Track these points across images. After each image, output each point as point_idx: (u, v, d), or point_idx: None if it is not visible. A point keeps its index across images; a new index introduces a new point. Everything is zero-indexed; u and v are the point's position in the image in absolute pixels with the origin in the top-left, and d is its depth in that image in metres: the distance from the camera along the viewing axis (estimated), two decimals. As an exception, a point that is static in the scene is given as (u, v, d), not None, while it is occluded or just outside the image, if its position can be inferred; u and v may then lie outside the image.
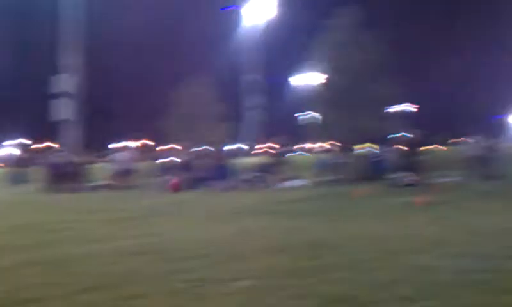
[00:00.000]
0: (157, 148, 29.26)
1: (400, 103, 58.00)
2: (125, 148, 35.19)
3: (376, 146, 27.32)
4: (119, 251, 7.95)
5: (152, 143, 55.96)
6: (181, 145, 26.85)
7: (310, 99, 32.04)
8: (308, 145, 75.73)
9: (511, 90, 64.68)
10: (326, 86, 30.60)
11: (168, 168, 25.97)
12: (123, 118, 72.11)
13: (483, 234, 8.40)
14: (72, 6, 33.45)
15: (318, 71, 31.57)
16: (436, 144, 69.12)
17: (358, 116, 28.95)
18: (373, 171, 25.50)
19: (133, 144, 44.10)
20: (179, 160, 25.09)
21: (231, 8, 48.46)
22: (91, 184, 27.18)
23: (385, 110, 33.29)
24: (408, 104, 66.18)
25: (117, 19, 63.50)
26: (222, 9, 50.98)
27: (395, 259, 6.80)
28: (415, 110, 63.20)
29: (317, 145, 65.32)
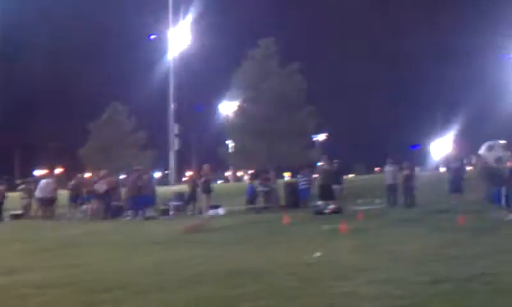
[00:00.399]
0: (76, 177, 28.49)
1: (320, 132, 59.20)
2: (46, 176, 34.28)
3: (294, 175, 27.68)
4: (36, 283, 7.63)
5: (69, 171, 54.63)
6: (102, 174, 26.30)
7: (231, 127, 32.19)
8: (233, 173, 76.02)
9: (430, 120, 67.20)
10: (245, 114, 30.86)
11: (88, 197, 25.38)
12: (42, 147, 70.28)
13: (403, 260, 8.57)
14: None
15: (238, 99, 31.82)
16: (358, 172, 70.79)
17: (278, 145, 29.27)
18: (299, 198, 25.82)
19: (51, 172, 43.01)
20: (100, 188, 24.56)
21: (156, 36, 48.25)
22: (10, 213, 26.28)
23: (307, 140, 33.87)
24: (329, 134, 67.76)
25: (37, 42, 62.08)
26: (149, 36, 50.68)
27: (320, 286, 6.83)
28: (335, 139, 64.75)
29: (245, 173, 65.68)
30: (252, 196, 25.86)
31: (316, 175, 26.65)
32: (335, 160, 24.47)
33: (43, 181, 28.00)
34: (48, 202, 26.89)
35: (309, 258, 9.18)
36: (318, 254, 9.43)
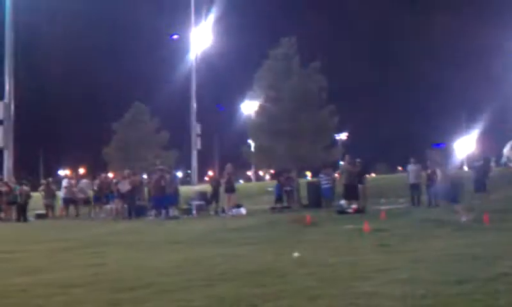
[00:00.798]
0: (100, 177, 28.73)
1: (342, 131, 58.95)
2: (71, 176, 34.65)
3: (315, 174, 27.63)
4: (60, 283, 7.71)
5: (93, 171, 55.09)
6: (126, 173, 26.48)
7: (253, 127, 32.17)
8: (255, 172, 76.04)
9: (454, 118, 66.65)
10: (266, 113, 30.82)
11: (112, 196, 25.57)
12: (64, 146, 70.96)
13: (426, 260, 8.52)
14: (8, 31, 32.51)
15: (259, 99, 31.79)
16: (380, 171, 70.34)
17: (299, 145, 29.18)
18: (322, 198, 25.78)
19: (74, 172, 43.43)
20: (124, 188, 24.74)
21: (178, 36, 48.50)
22: (34, 213, 26.58)
23: (329, 139, 33.73)
24: (350, 133, 67.51)
25: (58, 44, 62.66)
26: (171, 36, 50.98)
27: (342, 286, 6.81)
28: (357, 138, 64.51)
29: (267, 172, 65.64)
30: (280, 195, 25.88)
31: (337, 174, 26.63)
32: (358, 160, 24.38)
33: (65, 181, 28.38)
34: (70, 201, 27.25)
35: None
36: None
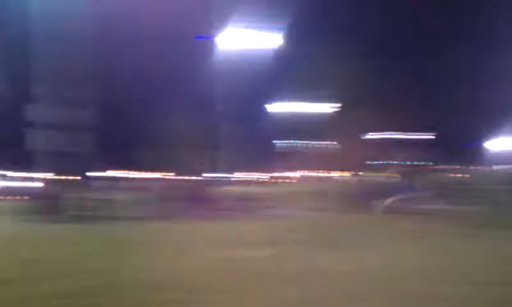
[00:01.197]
0: (138, 178, 28.98)
1: (383, 131, 58.23)
2: (111, 178, 35.05)
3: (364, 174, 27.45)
4: (109, 283, 7.68)
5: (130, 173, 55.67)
6: (164, 174, 26.66)
7: (294, 127, 32.03)
8: (292, 173, 75.66)
9: (486, 117, 65.46)
10: (296, 114, 30.64)
11: (153, 197, 25.75)
12: (101, 148, 71.63)
13: (481, 261, 8.34)
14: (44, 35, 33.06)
15: (289, 100, 31.62)
16: (424, 172, 69.30)
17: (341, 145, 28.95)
18: (367, 197, 25.52)
19: (113, 173, 43.83)
20: (157, 188, 24.85)
21: (207, 37, 48.47)
22: (75, 214, 26.83)
23: (363, 139, 33.39)
24: (395, 132, 66.65)
25: (89, 48, 63.30)
26: (197, 37, 51.01)
27: (386, 288, 6.69)
28: (406, 138, 63.57)
29: (306, 174, 65.21)
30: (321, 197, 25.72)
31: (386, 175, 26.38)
32: (412, 161, 24.11)
33: (104, 182, 28.64)
34: (111, 202, 27.45)
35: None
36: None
